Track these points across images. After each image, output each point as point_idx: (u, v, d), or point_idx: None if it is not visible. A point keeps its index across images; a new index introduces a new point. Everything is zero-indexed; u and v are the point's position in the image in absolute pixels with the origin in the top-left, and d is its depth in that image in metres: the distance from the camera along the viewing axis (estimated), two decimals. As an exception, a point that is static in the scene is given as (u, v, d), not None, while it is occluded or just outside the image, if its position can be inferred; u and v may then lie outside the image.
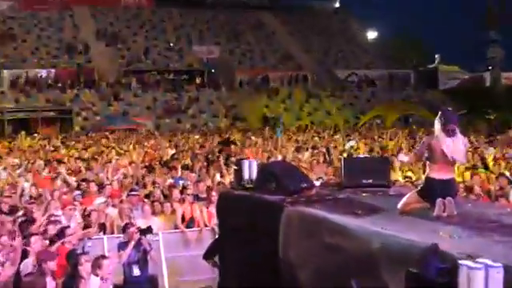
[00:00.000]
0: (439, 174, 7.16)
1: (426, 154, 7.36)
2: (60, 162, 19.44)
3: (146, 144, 27.11)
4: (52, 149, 25.69)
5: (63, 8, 64.45)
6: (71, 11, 64.83)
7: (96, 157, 20.95)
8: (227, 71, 58.91)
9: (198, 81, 56.96)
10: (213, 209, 11.95)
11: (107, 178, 16.44)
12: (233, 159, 18.28)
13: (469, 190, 12.92)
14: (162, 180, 16.24)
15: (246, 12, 70.25)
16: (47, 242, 10.11)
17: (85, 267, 8.98)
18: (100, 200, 13.56)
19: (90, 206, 13.06)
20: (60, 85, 52.46)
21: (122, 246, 10.87)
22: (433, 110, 44.38)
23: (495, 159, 18.35)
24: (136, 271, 10.94)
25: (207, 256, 10.48)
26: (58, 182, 15.63)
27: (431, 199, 7.14)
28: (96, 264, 9.10)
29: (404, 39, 75.03)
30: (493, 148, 22.18)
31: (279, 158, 19.17)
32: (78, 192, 14.40)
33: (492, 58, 64.73)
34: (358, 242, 6.48)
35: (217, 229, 11.43)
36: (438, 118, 7.16)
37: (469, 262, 4.95)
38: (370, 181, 9.16)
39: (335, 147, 21.79)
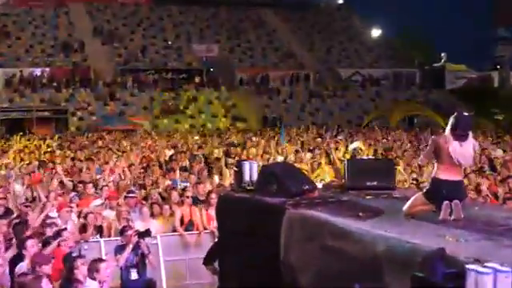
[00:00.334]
0: (446, 175, 7.04)
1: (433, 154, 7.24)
2: (55, 163, 19.32)
3: (143, 145, 26.90)
4: (47, 150, 25.30)
5: (58, 5, 63.88)
6: (67, 8, 64.29)
7: (92, 158, 20.82)
8: (227, 70, 58.41)
9: (196, 80, 56.26)
10: (212, 211, 11.99)
11: (104, 179, 16.17)
12: (232, 161, 18.34)
13: (476, 191, 12.98)
14: (160, 182, 16.01)
15: (247, 9, 69.85)
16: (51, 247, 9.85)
17: (81, 270, 8.86)
18: (97, 202, 13.49)
19: (86, 208, 12.96)
20: (55, 84, 51.83)
21: (120, 250, 10.82)
22: (439, 110, 43.95)
23: (504, 161, 18.30)
24: (134, 275, 10.89)
25: (207, 261, 10.58)
26: (54, 183, 15.47)
27: (437, 201, 7.06)
28: (93, 267, 9.00)
29: (409, 37, 74.49)
30: (501, 150, 22.15)
31: (280, 159, 18.99)
32: (74, 193, 14.03)
33: (500, 57, 63.98)
34: (361, 246, 6.46)
35: (216, 232, 11.44)
36: (451, 118, 7.05)
37: (477, 267, 4.86)
38: (375, 183, 9.17)
39: (337, 149, 20.95)
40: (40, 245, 9.76)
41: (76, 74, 53.09)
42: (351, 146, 22.22)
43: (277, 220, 7.90)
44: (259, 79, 58.37)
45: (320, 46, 66.21)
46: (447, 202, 6.97)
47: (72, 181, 16.13)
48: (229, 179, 15.85)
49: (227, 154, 21.16)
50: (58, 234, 10.26)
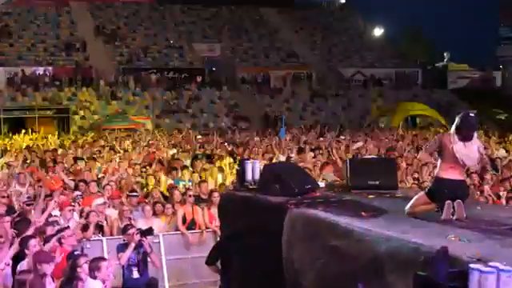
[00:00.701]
0: (449, 174, 7.03)
1: (438, 151, 7.25)
2: (57, 161, 19.25)
3: (145, 144, 26.67)
4: (49, 148, 25.13)
5: (60, 4, 63.65)
6: (68, 7, 64.01)
7: (94, 157, 20.85)
8: (229, 70, 58.30)
9: (198, 79, 56.03)
10: (214, 210, 12.15)
11: (106, 178, 16.05)
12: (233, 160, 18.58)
13: (479, 191, 13.03)
14: (163, 181, 16.04)
15: (249, 9, 69.58)
16: (50, 245, 9.93)
17: (83, 269, 8.87)
18: (99, 201, 13.49)
19: (88, 207, 12.98)
20: (57, 83, 51.66)
21: (122, 248, 10.85)
22: (441, 110, 43.93)
23: (509, 161, 18.28)
24: (136, 274, 10.92)
25: (209, 261, 10.53)
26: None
27: (440, 201, 7.06)
28: (93, 266, 8.91)
29: (411, 36, 74.44)
30: (504, 150, 22.07)
31: (282, 158, 18.98)
32: (78, 193, 14.01)
33: (503, 57, 63.96)
34: (363, 245, 6.45)
35: (218, 231, 11.71)
36: (456, 118, 7.05)
37: (480, 266, 4.84)
38: (377, 182, 9.21)
39: (339, 148, 20.98)
40: (42, 243, 9.79)
41: (78, 73, 52.86)
42: (354, 146, 22.25)
43: (279, 219, 7.91)
44: (261, 79, 58.28)
45: (322, 46, 66.02)
46: (449, 201, 6.96)
47: (74, 180, 16.10)
48: (231, 178, 15.88)
49: (229, 154, 21.15)
50: (60, 232, 10.27)
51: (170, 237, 12.90)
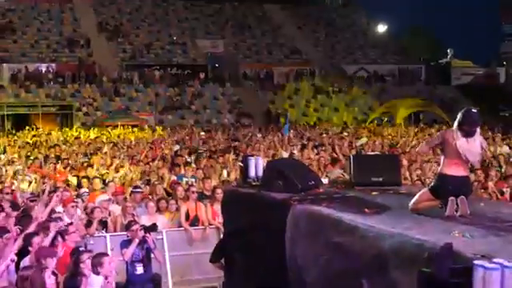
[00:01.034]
0: (452, 171, 7.00)
1: (441, 147, 7.26)
2: (60, 157, 19.37)
3: (148, 140, 26.82)
4: (53, 144, 25.33)
5: (63, 0, 63.78)
6: (72, 3, 64.14)
7: (98, 153, 20.86)
8: (232, 66, 58.23)
9: (201, 76, 56.06)
10: (218, 207, 12.16)
11: (109, 174, 16.17)
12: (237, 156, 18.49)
13: (483, 188, 12.98)
14: (166, 177, 16.13)
15: (252, 5, 69.62)
16: (48, 239, 9.75)
17: (87, 265, 8.87)
18: (103, 197, 13.51)
19: (92, 203, 12.98)
20: (61, 79, 51.82)
21: (126, 244, 10.83)
22: (445, 106, 43.87)
23: None
24: (139, 269, 10.86)
25: (213, 258, 10.45)
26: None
27: (444, 197, 7.01)
28: (96, 262, 8.98)
29: (415, 33, 74.33)
30: (508, 147, 21.93)
31: (285, 155, 18.89)
32: (84, 190, 14.02)
33: (507, 53, 63.87)
34: (367, 242, 6.42)
35: (221, 227, 11.58)
36: (459, 114, 7.01)
37: (484, 262, 4.81)
38: (380, 179, 9.13)
39: (343, 145, 21.02)
40: (46, 239, 9.68)
41: (81, 69, 52.90)
42: (358, 143, 22.25)
43: (282, 215, 7.87)
44: (264, 75, 58.23)
45: (325, 42, 66.01)
46: (453, 197, 6.94)
47: (77, 176, 16.12)
48: (234, 174, 15.87)
49: (232, 150, 21.14)
50: (63, 228, 10.21)
51: (173, 233, 12.87)
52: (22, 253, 9.35)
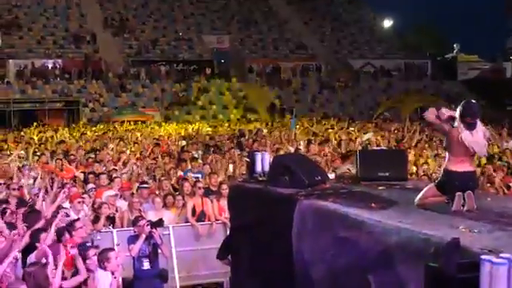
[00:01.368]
0: (458, 167, 7.01)
1: (445, 143, 7.30)
2: (67, 153, 19.40)
3: (155, 136, 26.80)
4: (59, 140, 25.32)
5: (70, -4, 63.59)
6: (78, -1, 64.01)
7: (104, 149, 20.91)
8: (238, 61, 58.23)
9: (207, 71, 55.98)
10: (224, 202, 12.16)
11: (116, 170, 16.15)
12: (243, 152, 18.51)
13: (489, 182, 13.02)
14: (172, 173, 16.19)
15: (258, 0, 69.44)
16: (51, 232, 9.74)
17: (93, 261, 8.96)
18: (110, 193, 13.47)
19: (99, 199, 13.02)
20: (67, 75, 51.80)
21: (133, 240, 10.87)
22: (451, 101, 43.75)
23: None
24: (146, 265, 10.88)
25: (220, 255, 10.51)
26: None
27: (450, 193, 7.04)
28: (102, 257, 9.01)
29: (421, 27, 74.11)
30: None
31: (291, 150, 18.88)
32: (91, 186, 14.04)
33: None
34: (373, 237, 6.42)
35: (228, 222, 11.58)
36: (458, 108, 7.03)
37: (491, 257, 4.79)
38: (387, 174, 9.14)
39: (350, 140, 21.00)
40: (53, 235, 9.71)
41: (88, 65, 52.85)
42: (364, 138, 22.21)
43: (289, 211, 7.88)
44: (270, 70, 58.14)
45: (331, 37, 65.89)
46: (460, 192, 6.94)
47: (84, 172, 16.14)
48: (240, 170, 15.86)
49: (239, 145, 21.14)
50: (70, 224, 10.23)
51: (179, 228, 12.88)
52: (28, 249, 9.37)
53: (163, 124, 37.43)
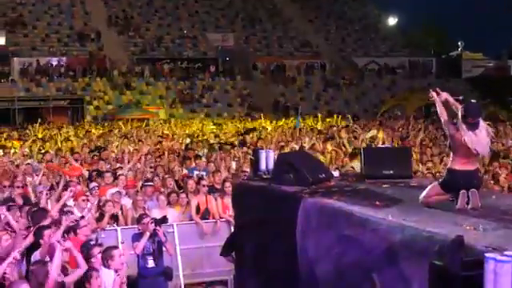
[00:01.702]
0: (462, 166, 7.02)
1: (449, 144, 7.33)
2: (72, 151, 19.34)
3: (159, 134, 26.81)
4: (64, 138, 25.41)
5: (74, -6, 63.55)
6: (82, -3, 64.01)
7: (109, 146, 20.91)
8: (242, 59, 58.14)
9: (212, 69, 56.03)
10: (228, 200, 12.14)
11: (121, 168, 16.07)
12: (247, 149, 18.41)
13: (494, 180, 13.03)
14: (176, 170, 16.24)
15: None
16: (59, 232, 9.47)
17: (98, 259, 8.93)
18: (114, 190, 13.41)
19: (103, 197, 13.02)
20: (71, 73, 51.84)
21: (137, 237, 10.87)
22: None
23: None
24: (150, 263, 10.88)
25: (224, 251, 10.47)
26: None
27: (454, 191, 7.03)
28: (106, 255, 8.98)
29: (425, 25, 74.04)
30: None
31: (295, 147, 18.72)
32: (95, 184, 13.87)
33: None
34: (378, 234, 6.40)
35: (232, 220, 11.69)
36: (460, 109, 7.01)
37: (496, 255, 4.78)
38: (391, 171, 9.08)
39: (355, 138, 20.97)
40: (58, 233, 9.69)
41: (92, 63, 52.99)
42: (367, 135, 22.19)
43: (293, 208, 7.85)
44: (275, 68, 58.13)
45: (336, 35, 65.92)
46: (464, 190, 6.93)
47: (88, 170, 16.13)
48: (245, 167, 15.84)
49: (243, 143, 21.12)
50: (75, 222, 10.19)
51: (184, 226, 12.88)
52: (33, 247, 9.37)
53: (168, 122, 37.37)
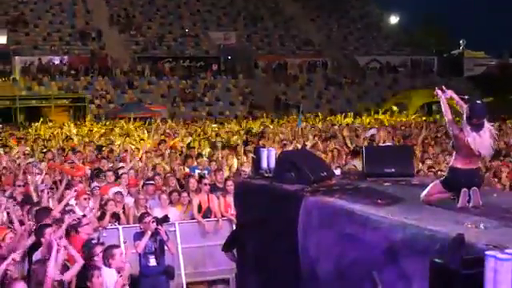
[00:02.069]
0: (464, 164, 7.01)
1: (453, 143, 7.23)
2: (74, 150, 19.18)
3: (161, 132, 26.58)
4: (65, 137, 25.29)
5: (75, -7, 63.59)
6: (84, -4, 63.98)
7: (110, 145, 20.86)
8: (244, 58, 58.15)
9: (214, 68, 56.03)
10: (230, 198, 12.23)
11: (123, 166, 15.98)
12: (249, 148, 18.39)
13: (496, 178, 13.01)
14: (178, 169, 16.18)
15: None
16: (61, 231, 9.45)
17: (99, 257, 8.91)
18: (116, 189, 13.38)
19: (106, 196, 13.03)
20: (73, 72, 51.90)
21: (139, 236, 10.87)
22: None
23: None
24: (152, 261, 10.89)
25: (226, 247, 10.50)
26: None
27: (455, 189, 7.02)
28: (107, 254, 8.97)
29: (427, 24, 73.99)
30: None
31: (298, 146, 18.69)
32: (96, 184, 13.85)
33: (517, 44, 63.76)
34: (379, 233, 6.41)
35: (234, 219, 11.67)
36: (465, 109, 6.95)
37: (496, 253, 4.75)
38: (393, 170, 9.08)
39: (357, 136, 20.98)
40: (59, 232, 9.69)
41: (94, 61, 53.04)
42: (367, 133, 22.21)
43: (294, 207, 7.85)
44: (277, 66, 58.12)
45: (338, 34, 65.90)
46: (465, 189, 6.94)
47: (90, 169, 16.14)
48: (246, 166, 15.85)
49: (245, 141, 21.12)
50: (77, 221, 10.16)
51: (185, 225, 12.86)
52: (35, 245, 9.37)
53: (169, 121, 37.30)
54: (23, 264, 9.13)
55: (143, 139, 22.95)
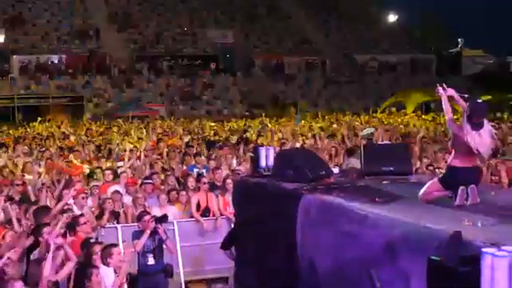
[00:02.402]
0: (462, 163, 7.03)
1: (451, 141, 7.25)
2: (72, 149, 19.15)
3: (159, 131, 26.67)
4: (63, 136, 25.23)
5: (74, -9, 63.42)
6: (82, -5, 63.84)
7: (109, 144, 20.80)
8: (243, 56, 58.05)
9: (212, 66, 55.95)
10: (229, 197, 12.26)
11: (121, 165, 16.10)
12: (248, 146, 18.49)
13: (494, 175, 12.98)
14: (177, 168, 16.15)
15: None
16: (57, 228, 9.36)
17: (98, 256, 8.91)
18: (114, 188, 13.47)
19: (104, 194, 13.11)
20: (71, 71, 51.90)
21: (137, 235, 10.86)
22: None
23: None
24: (151, 260, 10.91)
25: (225, 245, 10.51)
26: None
27: (453, 187, 7.04)
28: (105, 253, 8.96)
29: (426, 22, 73.99)
30: None
31: (296, 144, 18.84)
32: (94, 183, 13.95)
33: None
34: (377, 231, 6.42)
35: (233, 217, 11.72)
36: (465, 107, 6.96)
37: (493, 250, 4.79)
38: (391, 168, 9.07)
39: (355, 135, 20.96)
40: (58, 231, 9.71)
41: (92, 60, 53.05)
42: (365, 132, 22.22)
43: (293, 205, 7.87)
44: (275, 65, 58.11)
45: (336, 32, 65.84)
46: (463, 187, 6.95)
47: (89, 168, 16.14)
48: (245, 165, 15.86)
49: (243, 140, 21.11)
50: (75, 220, 10.20)
51: (184, 224, 12.89)
52: (34, 245, 9.34)
53: (167, 120, 37.30)
54: (22, 264, 9.08)
55: (141, 138, 22.96)
